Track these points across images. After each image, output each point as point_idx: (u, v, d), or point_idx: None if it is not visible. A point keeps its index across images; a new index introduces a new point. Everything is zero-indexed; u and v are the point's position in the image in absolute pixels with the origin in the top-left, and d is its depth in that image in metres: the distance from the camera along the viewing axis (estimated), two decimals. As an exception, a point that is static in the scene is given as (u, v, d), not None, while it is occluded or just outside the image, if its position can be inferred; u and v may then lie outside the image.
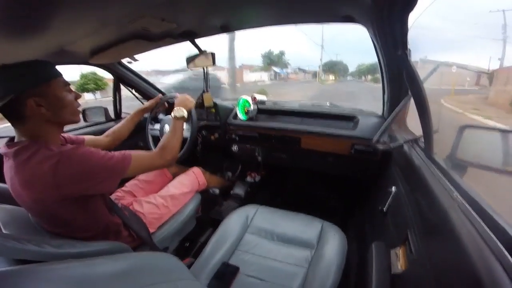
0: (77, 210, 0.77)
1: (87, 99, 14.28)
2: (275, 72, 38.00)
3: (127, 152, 0.84)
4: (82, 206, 0.78)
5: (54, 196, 0.70)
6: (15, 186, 0.72)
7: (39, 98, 0.70)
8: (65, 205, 0.74)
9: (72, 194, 0.72)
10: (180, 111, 1.11)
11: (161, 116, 1.66)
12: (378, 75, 1.24)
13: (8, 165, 0.74)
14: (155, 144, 1.62)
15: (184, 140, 1.46)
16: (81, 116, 0.96)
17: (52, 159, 0.68)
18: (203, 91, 1.52)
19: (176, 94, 1.29)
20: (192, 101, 1.25)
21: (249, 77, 32.90)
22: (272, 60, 39.88)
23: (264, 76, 36.34)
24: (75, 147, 0.74)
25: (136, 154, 0.86)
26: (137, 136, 1.84)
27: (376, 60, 1.14)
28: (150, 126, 1.63)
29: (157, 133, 1.59)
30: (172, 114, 1.11)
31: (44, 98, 0.71)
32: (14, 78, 0.68)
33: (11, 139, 0.77)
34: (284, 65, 41.45)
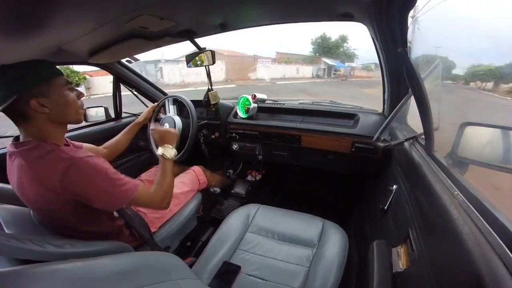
0: (79, 214, 0.78)
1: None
2: (328, 66, 25.99)
3: (137, 182, 0.83)
4: (83, 211, 0.78)
5: (56, 198, 0.71)
6: (22, 184, 0.73)
7: (42, 98, 0.70)
8: (67, 208, 0.74)
9: (73, 200, 0.72)
10: (168, 150, 1.01)
11: (161, 115, 1.66)
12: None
13: (14, 164, 0.74)
14: (156, 144, 1.62)
15: (185, 140, 1.47)
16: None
17: (64, 162, 0.69)
18: (208, 90, 1.53)
19: (152, 126, 1.24)
20: (174, 132, 1.12)
21: (271, 71, 22.44)
22: (326, 49, 28.32)
23: (304, 71, 25.34)
24: (90, 156, 0.74)
25: (143, 187, 0.84)
26: (138, 135, 1.84)
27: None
28: (151, 126, 1.63)
29: None
30: (159, 151, 1.00)
31: (47, 97, 0.71)
32: (15, 79, 0.68)
33: (16, 138, 0.77)
34: (348, 56, 28.71)
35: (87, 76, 12.85)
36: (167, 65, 17.60)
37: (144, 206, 0.92)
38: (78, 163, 0.70)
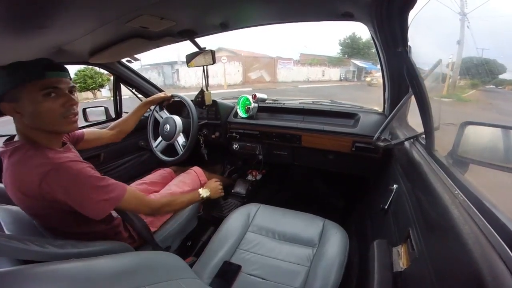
0: (66, 217, 0.75)
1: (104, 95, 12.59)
2: (358, 68, 23.79)
3: (125, 186, 0.81)
4: (71, 215, 0.73)
5: (37, 204, 0.69)
6: (6, 187, 0.72)
7: (14, 104, 0.65)
8: (51, 212, 0.72)
9: (55, 205, 0.70)
10: (206, 192, 1.16)
11: (160, 117, 1.66)
12: None
13: (3, 164, 0.73)
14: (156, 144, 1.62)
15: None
16: (81, 114, 0.96)
17: (44, 167, 0.66)
18: (202, 90, 1.53)
19: (212, 180, 1.29)
20: (221, 193, 1.28)
21: (294, 73, 20.86)
22: (356, 50, 25.89)
23: (331, 73, 23.53)
24: (73, 161, 0.70)
25: (132, 190, 0.82)
26: (138, 135, 1.84)
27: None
28: (151, 126, 1.63)
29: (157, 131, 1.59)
30: (200, 191, 1.16)
31: (19, 103, 0.66)
32: None
33: (11, 137, 0.76)
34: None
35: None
36: (184, 66, 15.77)
37: (133, 211, 0.87)
38: (58, 168, 0.66)
